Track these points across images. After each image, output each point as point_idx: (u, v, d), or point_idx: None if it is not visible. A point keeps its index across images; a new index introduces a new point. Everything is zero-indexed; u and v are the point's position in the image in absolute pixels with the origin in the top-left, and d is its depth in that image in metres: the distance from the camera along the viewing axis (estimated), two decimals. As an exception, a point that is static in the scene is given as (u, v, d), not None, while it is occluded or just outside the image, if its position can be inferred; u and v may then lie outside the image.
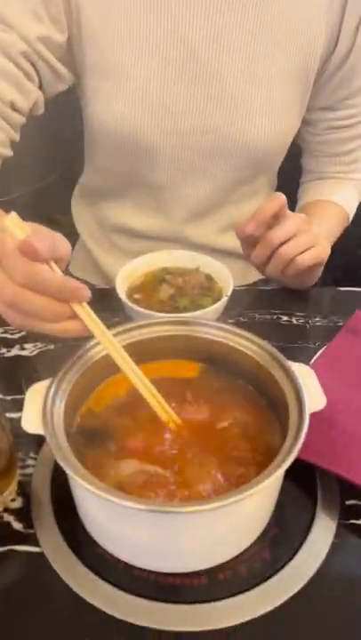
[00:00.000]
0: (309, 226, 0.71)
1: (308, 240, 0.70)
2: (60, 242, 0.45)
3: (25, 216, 0.45)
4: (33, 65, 0.73)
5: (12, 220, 0.44)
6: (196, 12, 0.73)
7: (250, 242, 0.71)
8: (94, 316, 0.47)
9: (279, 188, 0.99)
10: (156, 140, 0.80)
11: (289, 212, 0.70)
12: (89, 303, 0.46)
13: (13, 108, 0.73)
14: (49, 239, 0.44)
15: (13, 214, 0.45)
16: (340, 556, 0.48)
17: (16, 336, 0.71)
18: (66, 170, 1.20)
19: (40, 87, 0.76)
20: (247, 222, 0.68)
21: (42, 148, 1.15)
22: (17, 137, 0.77)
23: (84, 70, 0.79)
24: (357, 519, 0.51)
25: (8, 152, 0.76)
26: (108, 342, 0.48)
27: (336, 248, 0.87)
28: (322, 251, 0.73)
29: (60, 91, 0.80)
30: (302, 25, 0.76)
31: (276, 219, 0.68)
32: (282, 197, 0.68)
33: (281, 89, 0.79)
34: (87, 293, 0.45)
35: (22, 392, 0.59)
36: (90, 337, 0.48)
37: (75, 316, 0.46)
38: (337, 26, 0.76)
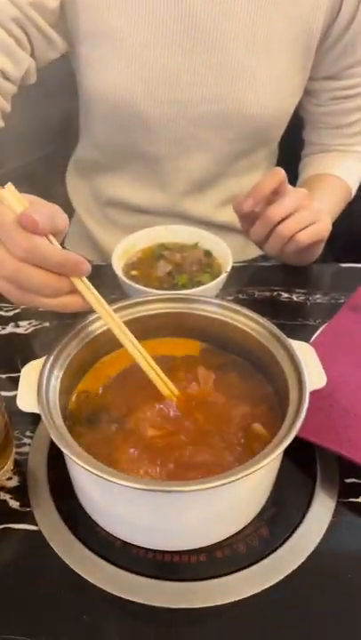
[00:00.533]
0: (310, 201, 0.69)
1: (308, 216, 0.68)
2: (59, 214, 0.44)
3: (20, 190, 0.44)
4: (24, 31, 0.70)
5: (10, 192, 0.43)
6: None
7: (249, 218, 0.69)
8: (94, 291, 0.46)
9: (280, 162, 0.97)
10: (153, 110, 0.78)
11: (289, 186, 0.68)
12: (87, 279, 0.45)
13: (4, 76, 0.71)
14: (48, 211, 0.43)
15: (10, 186, 0.43)
16: (339, 533, 0.48)
17: (10, 313, 0.70)
18: (60, 143, 1.17)
19: (32, 55, 0.74)
20: (245, 198, 0.66)
21: (35, 120, 1.12)
22: (8, 107, 0.74)
23: (77, 37, 0.76)
24: (356, 497, 0.50)
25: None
26: (108, 316, 0.47)
27: (338, 223, 0.85)
28: (323, 227, 0.71)
29: (52, 59, 0.77)
30: (305, -10, 0.73)
31: (275, 194, 0.66)
32: (281, 172, 0.66)
33: (283, 56, 0.77)
34: (88, 267, 0.44)
35: (17, 370, 0.58)
36: (87, 313, 0.47)
37: (74, 291, 0.45)
38: (340, -9, 0.73)
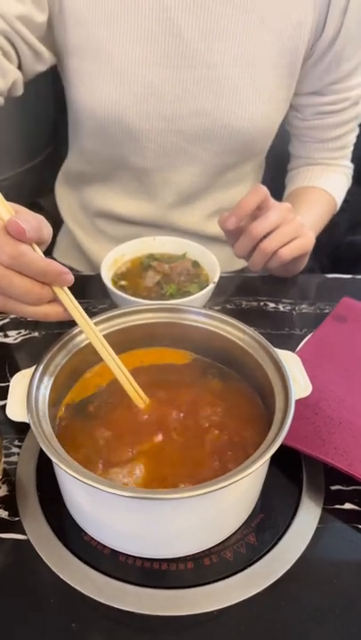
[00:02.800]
0: (294, 215, 0.70)
1: (290, 231, 0.69)
2: (44, 224, 0.45)
3: (8, 200, 0.44)
4: (12, 44, 0.71)
5: None
6: (183, -7, 0.72)
7: (234, 233, 0.70)
8: (75, 301, 0.46)
9: (267, 175, 0.98)
10: (141, 124, 0.79)
11: (273, 201, 0.69)
12: (72, 288, 0.46)
13: (-9, 88, 0.71)
14: (34, 220, 0.43)
15: None
16: (325, 540, 0.48)
17: (-1, 323, 0.71)
18: (50, 154, 1.18)
19: (19, 67, 0.75)
20: (229, 216, 0.68)
21: (24, 131, 1.13)
22: None
23: (66, 51, 0.78)
24: (342, 504, 0.51)
25: None
26: (87, 327, 0.47)
27: (323, 235, 0.87)
28: (306, 242, 0.72)
29: (39, 71, 0.78)
30: (290, 8, 0.75)
31: (259, 209, 0.68)
32: (263, 190, 0.67)
33: (268, 72, 0.78)
34: (71, 277, 0.45)
35: (7, 379, 0.58)
36: (71, 322, 0.47)
37: (55, 301, 0.46)
38: (325, 9, 0.75)
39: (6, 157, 1.12)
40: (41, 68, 0.78)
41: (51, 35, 0.76)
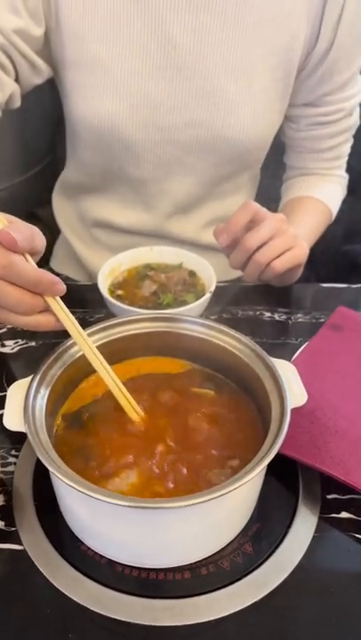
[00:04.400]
0: (287, 226, 0.71)
1: (284, 243, 0.70)
2: (37, 235, 0.45)
3: (5, 211, 0.45)
4: (9, 57, 0.72)
5: None
6: (177, 7, 0.73)
7: (229, 245, 0.71)
8: (67, 311, 0.47)
9: (262, 185, 0.99)
10: (137, 135, 0.80)
11: (266, 212, 0.70)
12: (69, 297, 0.46)
13: (-12, 101, 0.72)
14: (27, 231, 0.44)
15: None
16: (322, 549, 0.49)
17: (-4, 333, 0.71)
18: (47, 164, 1.19)
19: (16, 80, 0.75)
20: (220, 233, 0.69)
21: (22, 142, 1.14)
22: None
23: (63, 64, 0.78)
24: (338, 513, 0.51)
25: None
26: (79, 336, 0.48)
27: (319, 245, 0.88)
28: (299, 253, 0.72)
29: (36, 84, 0.79)
30: (283, 20, 0.76)
31: (253, 222, 0.68)
32: (253, 206, 0.68)
33: (263, 84, 0.79)
34: (63, 287, 0.45)
35: (4, 389, 0.59)
36: (66, 332, 0.48)
37: (47, 310, 0.46)
38: (318, 21, 0.77)
39: (4, 168, 1.13)
40: (38, 80, 0.79)
41: (47, 48, 0.77)
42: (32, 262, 0.45)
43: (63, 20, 0.74)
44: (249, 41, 0.76)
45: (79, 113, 0.80)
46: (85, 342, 0.48)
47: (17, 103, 0.77)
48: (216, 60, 0.76)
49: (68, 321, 0.47)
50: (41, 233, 0.46)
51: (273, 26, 0.76)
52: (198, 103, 0.79)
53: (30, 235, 0.44)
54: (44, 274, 0.44)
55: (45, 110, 1.15)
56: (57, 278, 0.45)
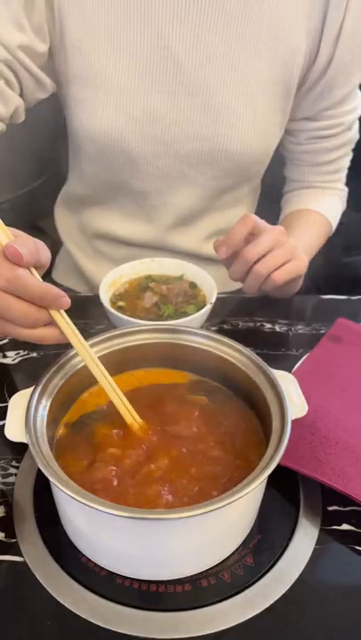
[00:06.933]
0: (286, 238, 0.72)
1: (283, 255, 0.70)
2: (42, 249, 0.46)
3: (8, 223, 0.45)
4: (14, 73, 0.73)
5: None
6: (179, 23, 0.74)
7: (228, 257, 0.71)
8: (71, 324, 0.47)
9: (263, 198, 1.00)
10: (140, 148, 0.81)
11: (265, 225, 0.70)
12: (71, 308, 0.46)
13: (-7, 115, 0.73)
14: (32, 245, 0.44)
15: None
16: (323, 561, 0.48)
17: (-2, 343, 0.71)
18: (49, 177, 1.20)
19: (21, 95, 0.76)
20: (220, 246, 0.69)
21: (25, 154, 1.15)
22: None
23: (67, 79, 0.80)
24: (339, 525, 0.51)
25: None
26: (83, 349, 0.48)
27: (319, 257, 0.88)
28: (299, 265, 0.73)
29: (40, 98, 0.80)
30: (284, 36, 0.77)
31: (252, 234, 0.69)
32: (251, 219, 0.69)
33: (263, 98, 0.80)
34: (67, 301, 0.46)
35: (5, 400, 0.59)
36: (69, 344, 0.48)
37: (51, 323, 0.46)
38: (318, 36, 0.78)
39: (7, 180, 1.14)
40: (42, 95, 0.80)
41: (52, 63, 0.79)
42: (37, 276, 0.45)
43: (67, 36, 0.75)
44: (250, 56, 0.77)
45: (82, 126, 0.81)
46: (88, 353, 0.48)
47: (21, 117, 0.78)
48: (218, 75, 0.78)
49: (72, 334, 0.47)
50: (46, 247, 0.46)
51: (274, 41, 0.77)
52: (200, 117, 0.80)
53: (35, 249, 0.44)
54: (50, 287, 0.44)
55: (48, 123, 1.17)
56: (62, 292, 0.45)
